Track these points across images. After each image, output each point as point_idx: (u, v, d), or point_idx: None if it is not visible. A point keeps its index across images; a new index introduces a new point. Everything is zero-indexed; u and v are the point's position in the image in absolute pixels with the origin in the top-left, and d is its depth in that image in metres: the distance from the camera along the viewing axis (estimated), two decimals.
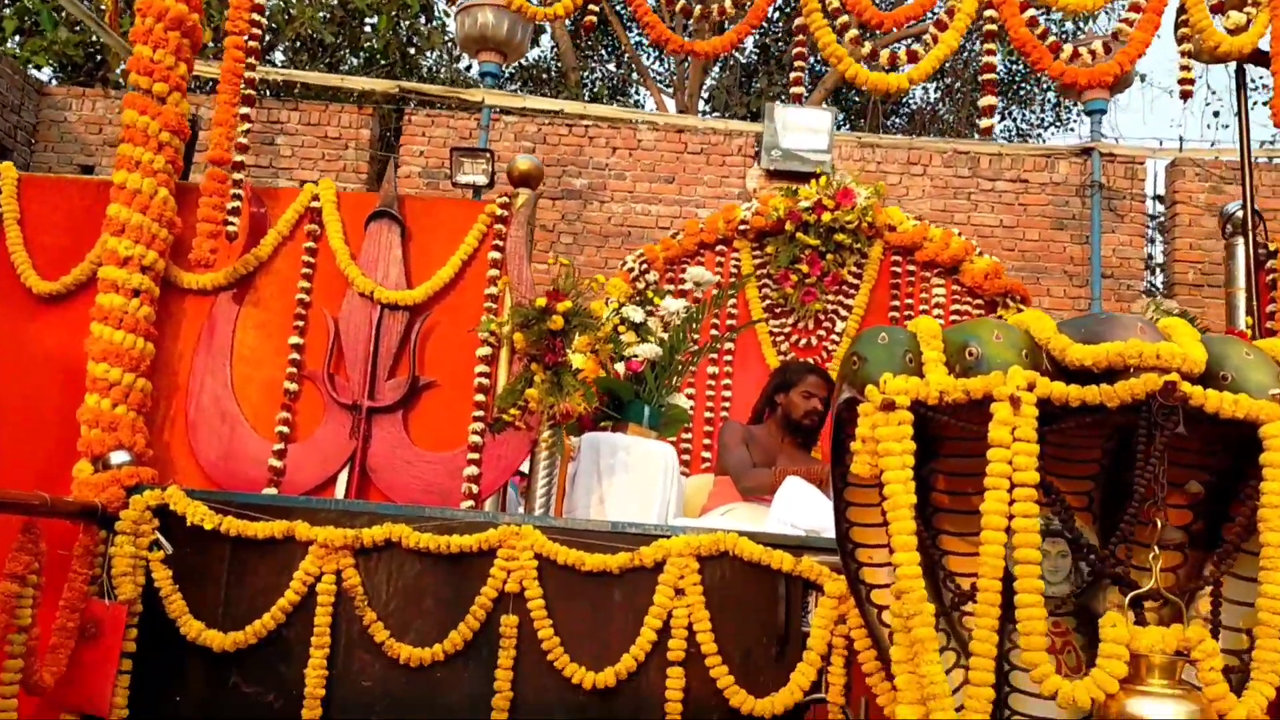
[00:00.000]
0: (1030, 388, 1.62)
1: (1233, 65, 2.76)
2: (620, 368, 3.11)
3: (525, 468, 3.33)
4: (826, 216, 4.29)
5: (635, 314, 3.31)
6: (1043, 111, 13.10)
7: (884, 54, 2.65)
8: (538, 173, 2.86)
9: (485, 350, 2.77)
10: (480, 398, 2.76)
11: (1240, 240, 3.15)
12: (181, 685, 2.22)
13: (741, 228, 4.42)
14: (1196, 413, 1.59)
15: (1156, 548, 1.62)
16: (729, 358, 4.45)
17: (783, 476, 3.10)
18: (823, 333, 4.42)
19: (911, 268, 4.44)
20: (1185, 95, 2.75)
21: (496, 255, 2.89)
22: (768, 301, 4.46)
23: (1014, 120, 12.99)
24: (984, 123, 2.75)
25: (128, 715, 2.19)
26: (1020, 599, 1.56)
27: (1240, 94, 2.78)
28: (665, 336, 3.40)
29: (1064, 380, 1.62)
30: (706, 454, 4.29)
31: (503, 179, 2.82)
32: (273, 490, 2.69)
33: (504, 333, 2.69)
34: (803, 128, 6.33)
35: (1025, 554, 1.56)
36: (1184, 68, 2.74)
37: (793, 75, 2.68)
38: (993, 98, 2.76)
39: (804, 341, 4.42)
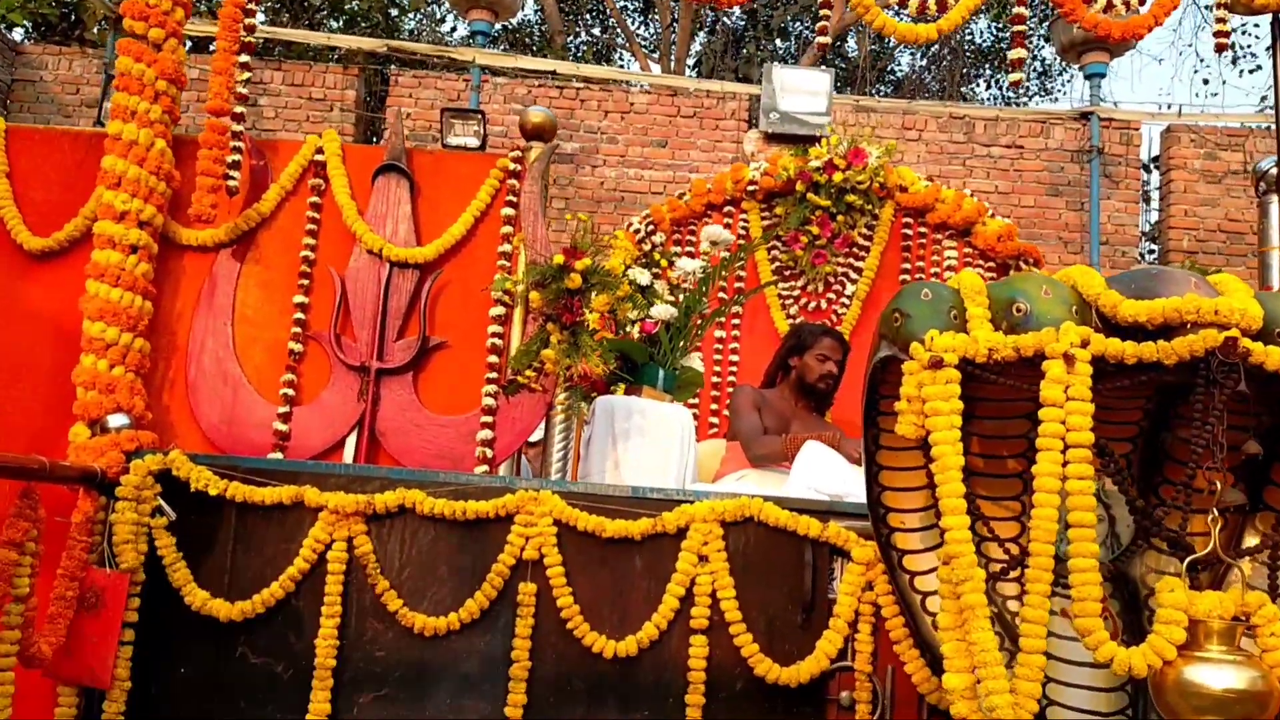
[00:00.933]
0: (1084, 344, 1.60)
1: (1269, 18, 2.71)
2: (635, 330, 3.07)
3: (536, 435, 3.31)
4: (838, 176, 4.24)
5: (641, 276, 3.25)
6: (1028, 80, 13.06)
7: (913, 2, 2.58)
8: (551, 126, 2.80)
9: (498, 310, 2.75)
10: (494, 359, 2.74)
11: (1275, 198, 3.11)
12: (186, 656, 2.18)
13: (750, 188, 4.36)
14: (1253, 370, 1.56)
15: (1215, 510, 1.60)
16: (737, 321, 4.39)
17: (795, 445, 3.09)
18: (832, 295, 4.38)
19: (923, 230, 4.38)
20: (1220, 49, 2.70)
21: (510, 211, 2.86)
22: (777, 264, 4.40)
23: (1000, 89, 12.94)
24: (1012, 76, 2.68)
25: (130, 688, 2.15)
26: (1074, 564, 1.54)
27: (1276, 48, 2.72)
28: (674, 299, 3.36)
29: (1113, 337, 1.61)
30: (714, 419, 4.26)
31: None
32: (278, 455, 2.66)
33: (518, 291, 2.67)
34: (801, 90, 6.24)
35: (1080, 517, 1.55)
36: (1220, 20, 2.69)
37: (819, 25, 2.59)
38: (1022, 50, 2.69)
39: (813, 304, 4.37)
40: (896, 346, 1.72)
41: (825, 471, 2.81)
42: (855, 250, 4.41)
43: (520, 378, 2.61)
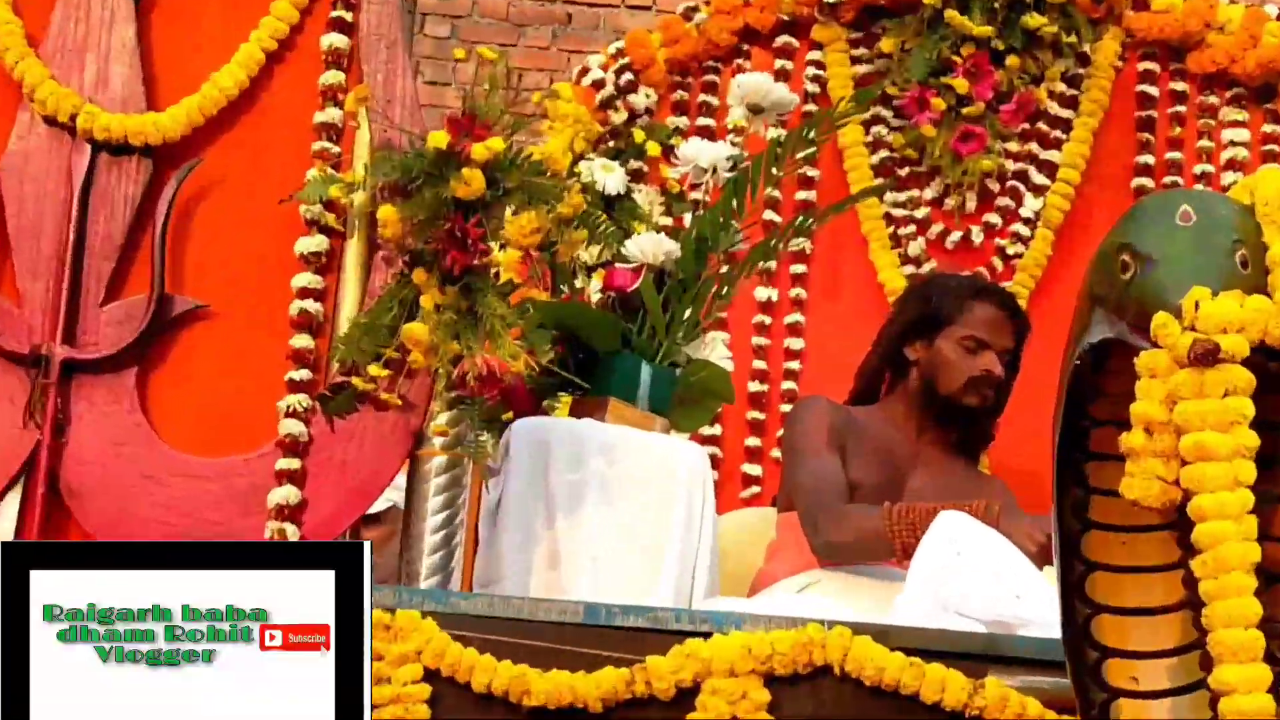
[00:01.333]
0: None
1: None
2: (591, 285, 3.09)
3: (386, 500, 3.28)
4: None
5: (608, 175, 3.25)
6: None
7: None
8: None
9: (313, 243, 2.78)
10: (302, 342, 2.78)
11: None
12: None
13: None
14: None
15: None
16: (801, 269, 4.39)
17: (913, 519, 3.10)
18: (996, 220, 4.37)
19: (1180, 85, 4.41)
20: None
21: (337, 42, 2.90)
22: (883, 155, 4.40)
23: None
24: None
25: None
26: None
27: None
28: (672, 222, 3.34)
29: None
30: (755, 467, 4.25)
31: None
32: None
33: (355, 205, 2.71)
34: None
35: None
36: None
37: None
38: None
39: (956, 238, 4.36)
40: (1123, 319, 1.79)
41: (977, 574, 2.80)
42: (1044, 126, 4.42)
43: (357, 381, 2.64)
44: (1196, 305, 1.70)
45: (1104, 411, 1.90)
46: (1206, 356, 1.67)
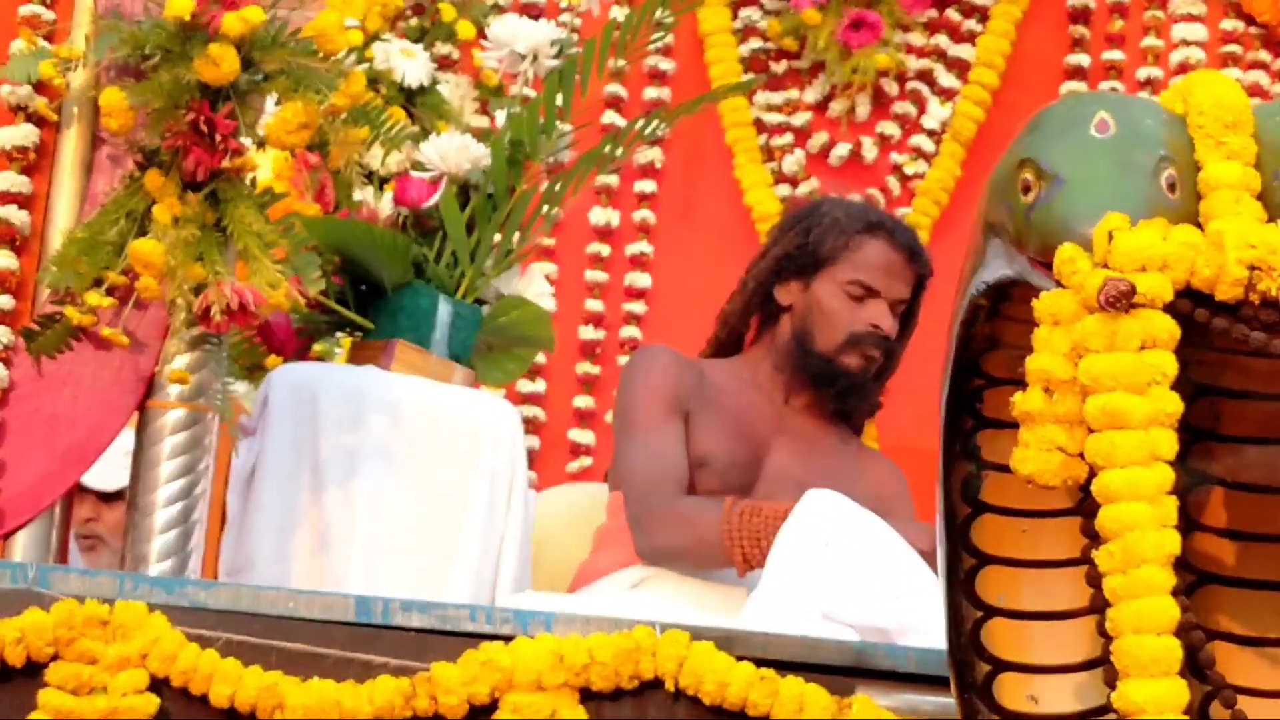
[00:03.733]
0: None
1: None
2: (382, 202, 3.12)
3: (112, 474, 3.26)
4: None
5: (408, 61, 3.27)
6: None
7: None
8: None
9: (19, 134, 2.76)
10: (2, 260, 2.74)
11: None
12: None
13: None
14: None
15: None
16: (651, 188, 4.45)
17: (760, 518, 3.14)
18: (895, 129, 4.45)
19: None
20: None
21: None
22: (755, 45, 4.46)
23: None
24: None
25: None
26: None
27: None
28: (483, 122, 3.37)
29: None
30: (584, 433, 4.34)
31: None
32: None
33: (73, 88, 2.69)
34: None
35: None
36: None
37: None
38: None
39: (845, 150, 4.44)
40: (1024, 252, 1.80)
41: (848, 569, 2.86)
42: (952, 17, 4.49)
43: (72, 311, 2.61)
44: (1110, 236, 1.70)
45: (1001, 367, 1.92)
46: (1120, 299, 1.66)
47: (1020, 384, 1.79)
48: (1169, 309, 1.70)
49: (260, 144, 2.67)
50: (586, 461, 4.27)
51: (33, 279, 2.76)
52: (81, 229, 2.67)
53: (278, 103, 2.65)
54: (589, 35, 3.29)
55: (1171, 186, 1.78)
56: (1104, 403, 1.69)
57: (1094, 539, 1.77)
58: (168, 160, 2.60)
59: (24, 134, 2.77)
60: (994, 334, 1.92)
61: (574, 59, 3.16)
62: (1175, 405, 1.71)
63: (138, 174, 2.63)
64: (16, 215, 2.76)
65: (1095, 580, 1.79)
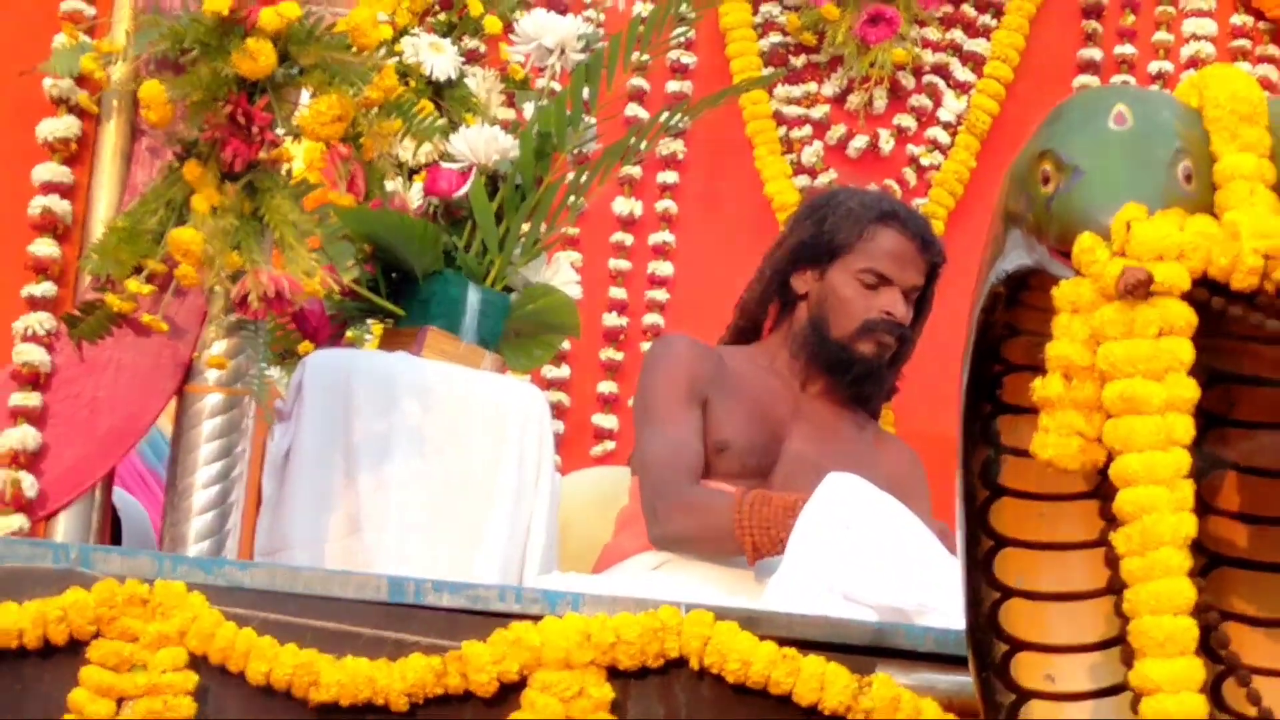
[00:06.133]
0: None
1: None
2: (410, 191, 3.13)
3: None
4: None
5: (437, 55, 3.28)
6: None
7: None
8: None
9: (61, 125, 2.75)
10: (44, 249, 2.74)
11: None
12: None
13: None
14: None
15: None
16: (673, 178, 4.43)
17: (775, 508, 3.13)
18: (911, 121, 4.43)
19: None
20: None
21: None
22: (775, 39, 4.44)
23: None
24: None
25: None
26: None
27: None
28: (510, 115, 3.38)
29: None
30: (608, 417, 4.33)
31: None
32: None
33: (113, 81, 2.68)
34: None
35: None
36: None
37: None
38: None
39: (863, 142, 4.42)
40: (1044, 242, 1.79)
41: (868, 550, 2.86)
42: (968, 12, 4.47)
43: (113, 298, 2.61)
44: (1128, 226, 1.70)
45: (1020, 354, 1.92)
46: (1138, 288, 1.66)
47: (1038, 370, 1.80)
48: (1185, 297, 1.69)
49: (295, 136, 2.66)
50: (610, 445, 4.26)
51: (74, 267, 2.75)
52: (122, 218, 2.68)
53: (313, 95, 2.64)
54: (612, 29, 3.28)
55: (1188, 178, 1.77)
56: (1122, 389, 1.69)
57: (1112, 521, 1.77)
58: (206, 151, 2.60)
59: (66, 126, 2.77)
60: (1013, 321, 1.92)
61: (600, 53, 3.15)
62: (1192, 391, 1.71)
63: (177, 165, 2.63)
64: (58, 204, 2.75)
65: (1113, 562, 1.80)
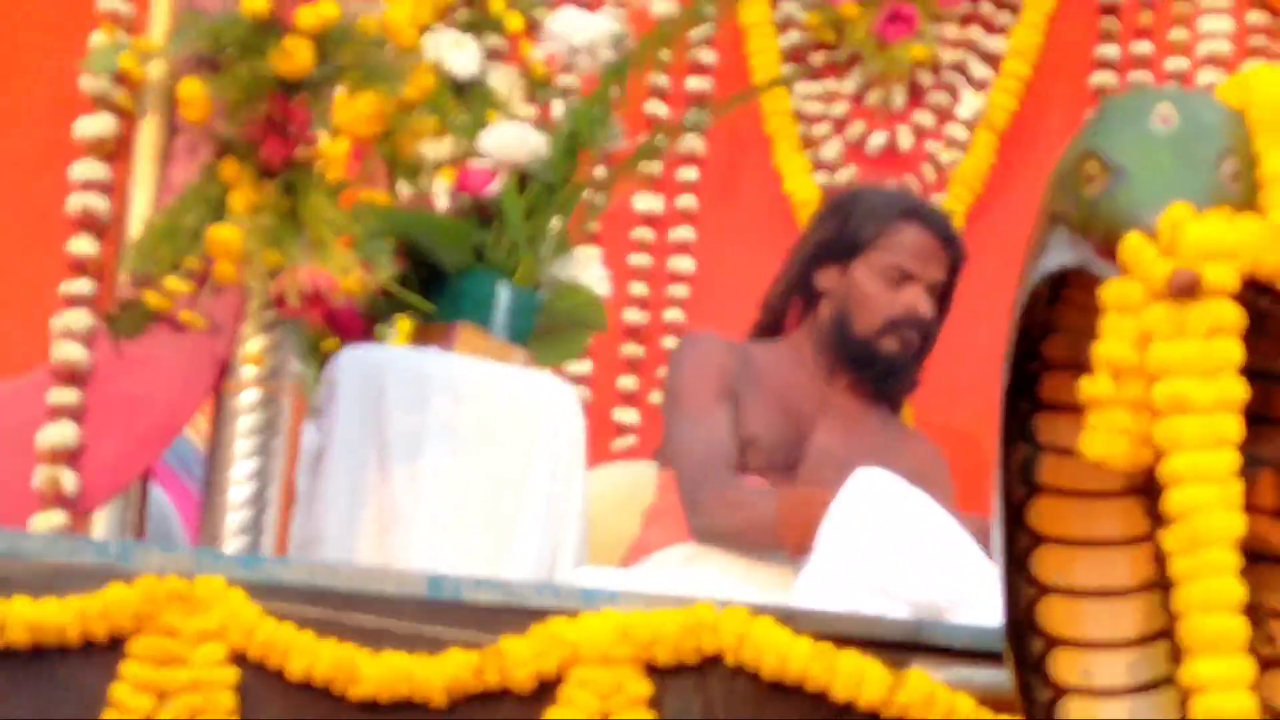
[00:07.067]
0: None
1: None
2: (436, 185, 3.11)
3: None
4: None
5: (459, 52, 3.25)
6: None
7: None
8: None
9: (99, 123, 2.73)
10: (83, 246, 2.73)
11: None
12: None
13: None
14: None
15: None
16: (694, 174, 4.43)
17: (810, 516, 3.11)
18: (930, 118, 4.41)
19: None
20: None
21: None
22: (794, 37, 4.43)
23: None
24: None
25: None
26: None
27: None
28: (536, 111, 3.36)
29: None
30: (633, 412, 4.31)
31: None
32: None
33: (152, 80, 2.68)
34: None
35: None
36: None
37: None
38: None
39: (882, 139, 4.41)
40: (1089, 241, 1.79)
41: (901, 546, 2.87)
42: (985, 10, 4.47)
43: (151, 296, 2.61)
44: (1177, 226, 1.70)
45: (1059, 352, 1.92)
46: (1189, 289, 1.68)
47: (1077, 368, 1.81)
48: (1245, 299, 1.70)
49: (328, 132, 2.66)
50: (630, 440, 4.26)
51: (112, 265, 2.75)
52: (161, 216, 2.68)
53: (348, 92, 2.65)
54: (632, 27, 3.27)
55: (1234, 177, 1.78)
56: (1172, 388, 1.69)
57: (1157, 520, 1.78)
58: (244, 150, 2.60)
59: (103, 124, 2.76)
60: (1052, 320, 1.92)
61: (629, 54, 3.15)
62: (1241, 391, 1.71)
63: (215, 163, 2.63)
64: (97, 202, 2.75)
65: (1151, 559, 1.80)
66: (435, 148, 3.16)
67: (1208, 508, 1.70)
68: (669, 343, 4.22)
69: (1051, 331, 1.93)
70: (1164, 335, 1.70)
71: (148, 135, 2.77)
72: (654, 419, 4.12)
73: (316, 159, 2.63)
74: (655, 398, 4.16)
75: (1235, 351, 1.70)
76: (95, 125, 2.76)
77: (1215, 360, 1.69)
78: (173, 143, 2.75)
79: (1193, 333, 1.69)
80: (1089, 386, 1.75)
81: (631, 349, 4.33)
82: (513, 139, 3.05)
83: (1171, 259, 1.69)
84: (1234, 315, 1.69)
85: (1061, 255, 1.82)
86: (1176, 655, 1.79)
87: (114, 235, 2.75)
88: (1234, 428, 1.71)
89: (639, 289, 4.35)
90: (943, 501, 3.13)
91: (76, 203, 2.74)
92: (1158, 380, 1.70)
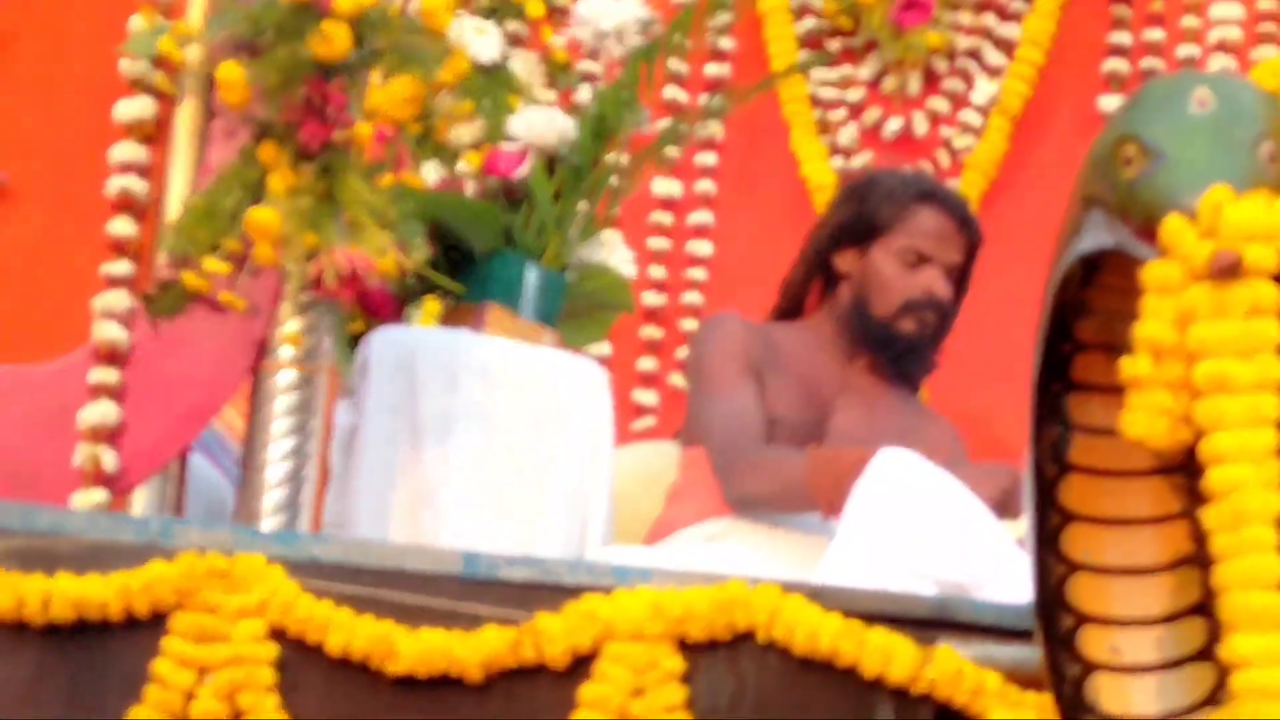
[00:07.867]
0: None
1: None
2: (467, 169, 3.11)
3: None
4: None
5: (481, 38, 3.26)
6: None
7: None
8: None
9: (138, 106, 2.74)
10: (122, 228, 2.74)
11: None
12: None
13: None
14: None
15: None
16: (713, 159, 4.42)
17: (840, 465, 3.13)
18: (945, 104, 4.41)
19: None
20: None
21: None
22: (811, 23, 4.42)
23: None
24: None
25: None
26: None
27: None
28: (562, 95, 3.37)
29: None
30: (655, 393, 4.32)
31: None
32: None
33: (190, 63, 2.68)
34: None
35: None
36: None
37: None
38: None
39: (897, 124, 4.40)
40: (1126, 223, 1.79)
41: (927, 524, 2.85)
42: None
43: (190, 277, 2.61)
44: (1218, 207, 1.70)
45: (1090, 333, 1.92)
46: (1232, 270, 1.67)
47: (1109, 348, 1.81)
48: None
49: (363, 117, 2.65)
50: (650, 421, 4.27)
51: (151, 246, 2.76)
52: (199, 198, 2.67)
53: (383, 78, 2.64)
54: (654, 14, 3.27)
55: (1271, 160, 1.77)
56: (1212, 368, 1.70)
57: (1195, 498, 1.78)
58: (282, 133, 2.59)
59: (142, 107, 2.76)
60: (1085, 301, 1.91)
61: (658, 40, 3.14)
62: (1279, 370, 1.71)
63: (252, 146, 2.62)
64: (136, 184, 2.75)
65: (1180, 537, 1.80)
66: (463, 132, 3.17)
67: (1248, 486, 1.70)
68: (688, 325, 4.24)
69: (1084, 313, 1.92)
70: (1204, 316, 1.70)
71: (186, 118, 2.78)
72: (673, 400, 4.17)
73: (353, 142, 2.63)
74: (674, 379, 4.21)
75: (1275, 331, 1.70)
76: (134, 108, 2.76)
77: (1255, 340, 1.69)
78: (211, 125, 2.76)
79: (1233, 313, 1.68)
80: (1129, 366, 1.75)
81: (651, 331, 4.33)
82: (542, 123, 3.05)
83: (1212, 240, 1.69)
84: (1274, 296, 1.69)
85: (1098, 237, 1.81)
86: (1210, 632, 1.78)
87: (153, 217, 2.76)
88: (1274, 407, 1.71)
89: (658, 272, 4.35)
90: (963, 474, 3.12)
91: (116, 185, 2.75)
92: (1198, 360, 1.70)
